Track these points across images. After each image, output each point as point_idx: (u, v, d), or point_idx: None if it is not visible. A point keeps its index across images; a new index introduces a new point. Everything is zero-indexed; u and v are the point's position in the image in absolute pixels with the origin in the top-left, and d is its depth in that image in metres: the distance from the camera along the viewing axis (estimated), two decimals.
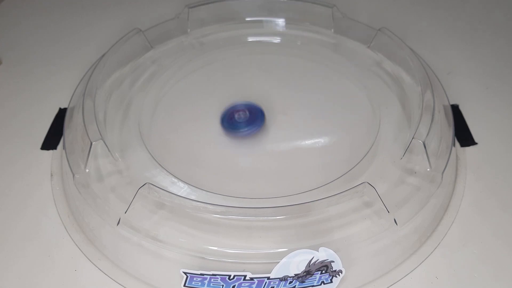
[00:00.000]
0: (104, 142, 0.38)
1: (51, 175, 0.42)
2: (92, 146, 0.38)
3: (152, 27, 0.50)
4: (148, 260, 0.36)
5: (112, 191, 0.38)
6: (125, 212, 0.35)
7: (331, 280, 0.33)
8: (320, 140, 0.43)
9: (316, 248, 0.32)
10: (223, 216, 0.35)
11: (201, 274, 0.32)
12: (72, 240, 0.37)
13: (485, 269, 0.35)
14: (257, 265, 0.33)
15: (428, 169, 0.38)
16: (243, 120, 0.43)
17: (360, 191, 0.36)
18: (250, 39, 0.52)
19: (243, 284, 0.32)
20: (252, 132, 0.42)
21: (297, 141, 0.43)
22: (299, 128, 0.44)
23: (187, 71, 0.49)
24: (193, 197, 0.37)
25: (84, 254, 0.37)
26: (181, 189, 0.38)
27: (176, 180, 0.39)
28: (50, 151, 0.44)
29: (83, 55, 0.52)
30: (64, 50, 0.54)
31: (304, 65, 0.50)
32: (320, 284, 0.33)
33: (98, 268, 0.36)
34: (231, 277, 0.32)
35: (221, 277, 0.32)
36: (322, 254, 0.32)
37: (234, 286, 0.33)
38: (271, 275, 0.32)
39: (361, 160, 0.40)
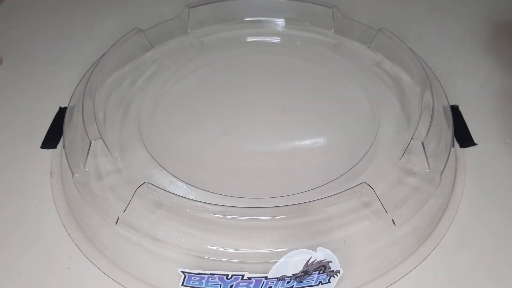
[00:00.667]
0: (103, 141, 0.38)
1: (51, 174, 0.42)
2: (92, 145, 0.38)
3: (152, 26, 0.50)
4: (146, 259, 0.36)
5: (111, 190, 0.38)
6: (124, 211, 0.35)
7: (329, 280, 0.33)
8: (319, 140, 0.43)
9: (314, 248, 0.32)
10: (221, 216, 0.35)
11: (199, 274, 0.32)
12: (71, 239, 0.37)
13: (483, 270, 0.35)
14: (255, 265, 0.33)
15: (427, 170, 0.38)
16: None
17: (358, 191, 0.36)
18: (250, 39, 0.52)
19: (241, 284, 0.33)
20: None
21: (296, 141, 0.43)
22: (299, 128, 0.44)
23: (187, 71, 0.49)
24: (191, 197, 0.37)
25: (83, 253, 0.37)
26: (180, 188, 0.38)
27: (175, 179, 0.39)
28: (50, 150, 0.44)
29: (83, 55, 0.52)
30: (64, 49, 0.54)
31: (304, 65, 0.50)
32: (318, 284, 0.33)
33: (97, 267, 0.36)
34: (229, 276, 0.32)
35: (219, 277, 0.32)
36: (320, 254, 0.32)
37: (232, 285, 0.33)
38: (269, 275, 0.32)
39: (360, 160, 0.40)
